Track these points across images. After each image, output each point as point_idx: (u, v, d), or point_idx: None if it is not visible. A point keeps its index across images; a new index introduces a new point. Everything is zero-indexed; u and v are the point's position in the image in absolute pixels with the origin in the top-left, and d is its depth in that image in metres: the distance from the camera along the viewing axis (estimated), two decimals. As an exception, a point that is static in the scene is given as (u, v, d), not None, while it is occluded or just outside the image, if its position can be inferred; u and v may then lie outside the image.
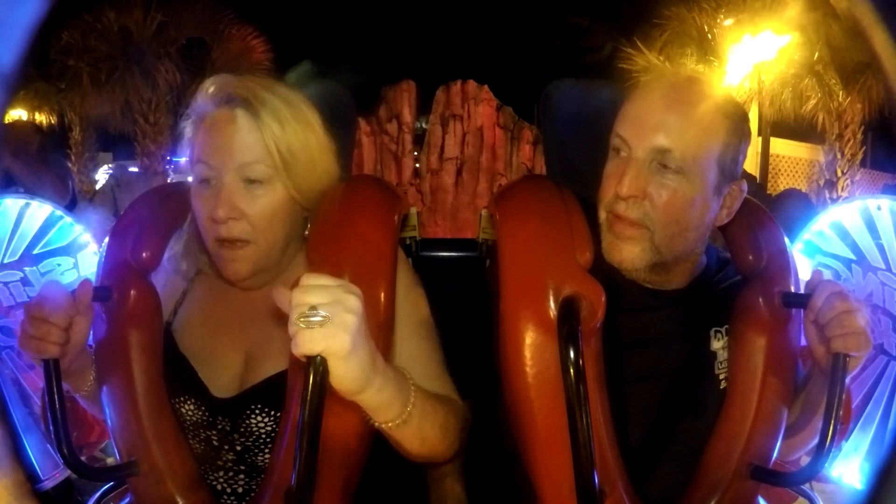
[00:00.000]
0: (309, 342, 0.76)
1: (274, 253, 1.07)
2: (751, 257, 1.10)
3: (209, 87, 1.05)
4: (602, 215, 1.09)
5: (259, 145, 1.01)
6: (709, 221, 1.08)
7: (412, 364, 1.00)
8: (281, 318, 1.04)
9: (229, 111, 1.02)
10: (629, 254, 1.06)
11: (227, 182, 1.01)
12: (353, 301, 0.79)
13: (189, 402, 1.07)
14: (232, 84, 1.03)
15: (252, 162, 1.01)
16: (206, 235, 1.05)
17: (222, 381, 1.08)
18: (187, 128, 1.07)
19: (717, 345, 1.11)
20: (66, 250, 2.41)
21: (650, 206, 1.03)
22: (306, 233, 1.09)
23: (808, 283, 1.01)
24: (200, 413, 1.06)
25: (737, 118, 1.05)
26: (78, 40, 7.72)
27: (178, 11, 8.10)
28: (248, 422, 1.04)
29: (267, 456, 1.05)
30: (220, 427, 1.06)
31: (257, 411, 1.04)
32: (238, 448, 1.06)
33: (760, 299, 1.05)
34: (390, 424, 0.91)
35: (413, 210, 1.22)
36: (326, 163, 1.09)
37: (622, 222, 1.05)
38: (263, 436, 1.04)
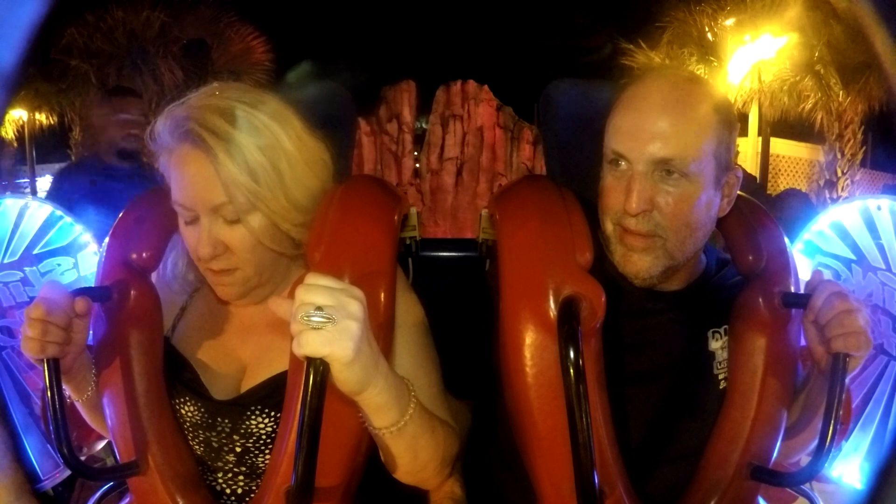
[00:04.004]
0: (312, 344, 0.77)
1: (264, 272, 1.06)
2: (751, 257, 1.10)
3: (165, 117, 1.01)
4: (609, 227, 1.08)
5: (223, 186, 0.97)
6: (713, 215, 1.09)
7: (411, 374, 0.99)
8: (279, 328, 1.04)
9: (188, 149, 0.98)
10: (644, 264, 1.06)
11: (204, 223, 1.00)
12: (356, 307, 0.79)
13: (189, 404, 1.07)
14: (185, 116, 0.98)
15: (222, 203, 0.98)
16: (196, 263, 1.06)
17: (222, 385, 1.08)
18: (160, 155, 1.03)
19: (716, 345, 1.11)
20: (66, 250, 2.41)
21: (659, 216, 1.03)
22: (297, 240, 1.07)
23: (808, 283, 1.01)
24: (200, 414, 1.06)
25: (724, 109, 1.06)
26: (78, 40, 7.73)
27: (180, 12, 8.10)
28: (247, 423, 1.04)
29: (267, 457, 1.04)
30: (219, 428, 1.06)
31: (257, 412, 1.04)
32: (238, 449, 1.06)
33: (760, 299, 1.05)
34: (388, 430, 0.90)
35: (413, 210, 1.22)
36: (304, 177, 1.03)
37: (633, 235, 1.05)
38: (264, 437, 1.04)
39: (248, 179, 0.97)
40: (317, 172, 1.05)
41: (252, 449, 1.05)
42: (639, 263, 1.06)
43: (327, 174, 1.08)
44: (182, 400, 1.07)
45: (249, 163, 0.97)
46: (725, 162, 1.06)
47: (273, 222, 1.01)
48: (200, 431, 1.07)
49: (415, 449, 0.96)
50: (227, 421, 1.05)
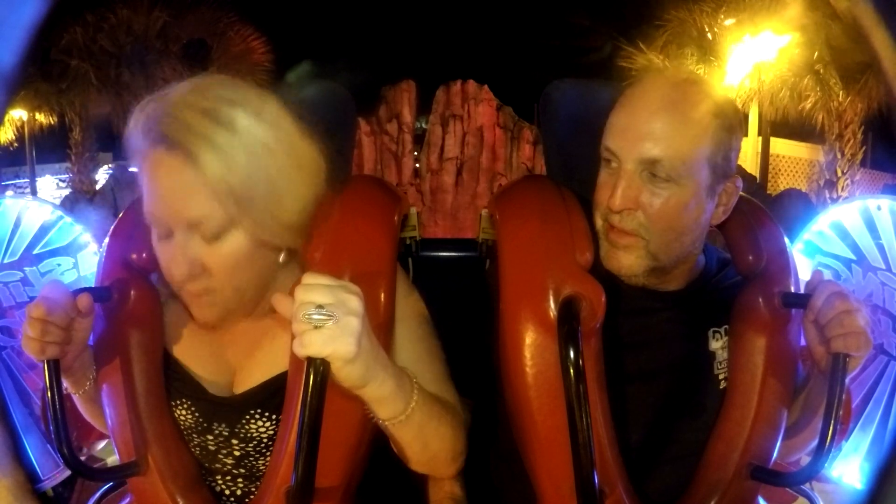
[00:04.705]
0: (315, 343, 0.77)
1: (244, 296, 0.98)
2: (751, 257, 1.10)
3: (138, 117, 0.90)
4: (598, 222, 1.09)
5: (203, 197, 0.87)
6: (704, 222, 1.08)
7: (414, 367, 1.00)
8: (271, 326, 1.03)
9: (163, 153, 0.87)
10: (626, 261, 1.06)
11: (178, 240, 0.90)
12: (355, 302, 0.80)
13: (181, 407, 1.06)
14: (162, 118, 0.87)
15: (201, 217, 0.88)
16: (170, 282, 0.97)
17: (214, 385, 1.07)
18: (132, 158, 0.92)
19: (716, 345, 1.11)
20: (66, 250, 2.41)
21: (643, 216, 1.03)
22: (281, 259, 1.00)
23: (808, 283, 1.01)
24: (194, 418, 1.05)
25: (726, 115, 1.03)
26: (79, 40, 7.73)
27: (181, 12, 8.11)
28: (247, 427, 1.04)
29: (267, 460, 1.04)
30: (216, 432, 1.05)
31: (257, 415, 1.03)
32: (237, 453, 1.05)
33: (760, 299, 1.05)
34: (393, 421, 0.91)
35: (413, 210, 1.22)
36: (296, 188, 0.94)
37: (617, 232, 1.05)
38: (265, 440, 1.04)
39: (230, 189, 0.87)
40: (307, 179, 0.96)
41: (252, 453, 1.05)
42: (622, 260, 1.06)
43: (320, 181, 0.98)
44: (176, 402, 1.07)
45: (232, 170, 0.87)
46: (723, 169, 1.05)
47: (257, 238, 0.93)
48: (195, 435, 1.06)
49: (423, 437, 0.96)
50: (223, 424, 1.04)
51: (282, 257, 1.00)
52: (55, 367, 0.93)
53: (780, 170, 10.09)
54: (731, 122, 1.04)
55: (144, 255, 1.08)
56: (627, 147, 1.02)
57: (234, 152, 0.87)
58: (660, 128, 1.01)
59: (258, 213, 0.91)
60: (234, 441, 1.05)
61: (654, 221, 1.03)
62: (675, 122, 1.01)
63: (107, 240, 1.12)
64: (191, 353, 1.09)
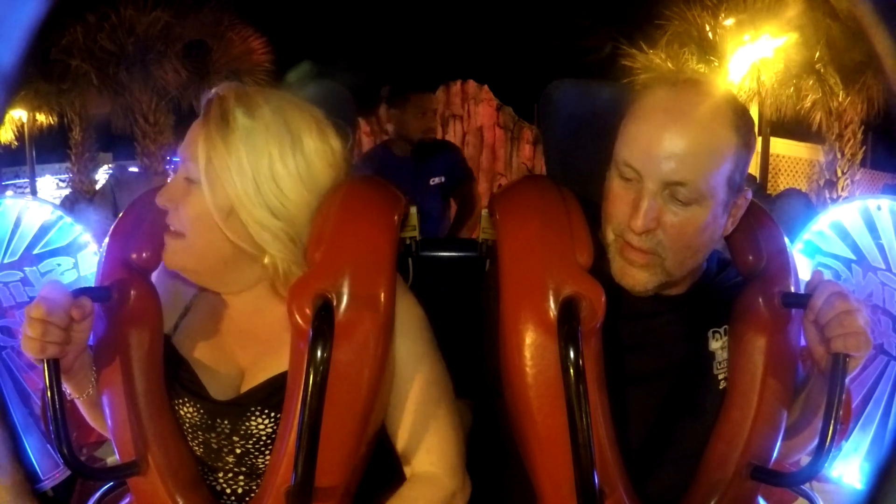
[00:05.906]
0: None
1: (205, 259, 1.04)
2: (751, 258, 1.10)
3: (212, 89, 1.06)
4: (610, 236, 1.07)
5: (197, 145, 1.00)
6: (718, 237, 1.07)
7: (410, 371, 1.00)
8: (277, 334, 1.04)
9: (207, 104, 1.04)
10: (641, 278, 1.05)
11: (176, 173, 1.04)
12: None
13: (188, 405, 1.07)
14: (220, 88, 1.04)
15: (188, 156, 1.02)
16: None
17: (220, 387, 1.07)
18: None
19: (716, 345, 1.11)
20: (66, 250, 2.41)
21: (662, 235, 1.02)
22: (266, 261, 1.03)
23: (808, 284, 1.01)
24: (199, 415, 1.06)
25: (745, 130, 1.02)
26: (79, 40, 7.73)
27: (182, 12, 8.10)
28: (247, 424, 1.04)
29: (267, 458, 1.04)
30: (219, 430, 1.06)
31: (257, 413, 1.04)
32: (238, 451, 1.06)
33: (760, 300, 1.05)
34: None
35: (413, 210, 1.22)
36: (278, 203, 1.00)
37: (635, 251, 1.04)
38: (264, 438, 1.04)
39: (216, 153, 0.99)
40: (291, 211, 1.02)
41: (252, 450, 1.05)
42: (637, 277, 1.05)
43: (302, 223, 1.03)
44: (181, 400, 1.07)
45: (228, 143, 0.99)
46: (738, 185, 1.04)
47: (216, 209, 1.00)
48: (200, 432, 1.07)
49: None
50: (226, 422, 1.05)
51: (266, 259, 1.03)
52: (55, 367, 0.93)
53: (780, 170, 10.09)
54: (749, 139, 1.03)
55: (144, 254, 1.08)
56: (651, 166, 1.00)
57: (239, 135, 0.99)
58: (684, 147, 0.98)
59: (221, 192, 0.99)
60: (235, 438, 1.05)
61: (672, 240, 1.02)
62: (699, 141, 0.99)
63: (107, 240, 1.12)
64: (202, 354, 1.09)
